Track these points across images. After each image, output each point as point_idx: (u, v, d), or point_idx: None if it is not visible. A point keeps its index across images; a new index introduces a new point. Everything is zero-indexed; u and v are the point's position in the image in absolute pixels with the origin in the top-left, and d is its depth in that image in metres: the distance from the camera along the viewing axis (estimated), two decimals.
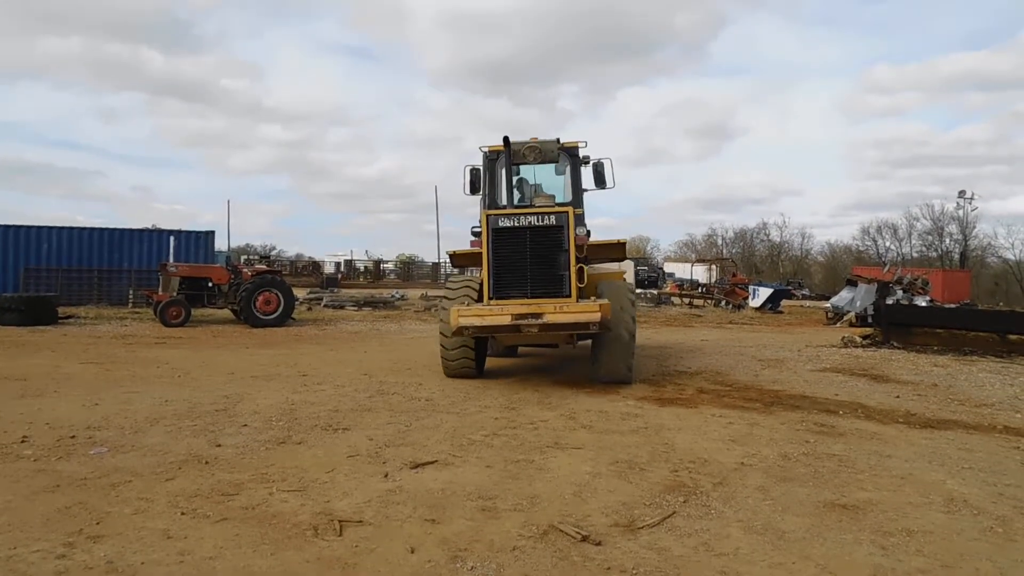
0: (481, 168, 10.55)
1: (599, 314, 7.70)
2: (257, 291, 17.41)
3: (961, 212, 51.93)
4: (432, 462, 5.31)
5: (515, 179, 10.46)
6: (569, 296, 8.28)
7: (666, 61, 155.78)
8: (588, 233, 9.37)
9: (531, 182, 11.13)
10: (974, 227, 52.80)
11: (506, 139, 9.16)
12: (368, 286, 42.98)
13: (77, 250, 23.19)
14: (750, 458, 5.55)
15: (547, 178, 11.22)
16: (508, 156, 9.48)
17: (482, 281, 8.84)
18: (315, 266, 56.11)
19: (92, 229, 23.81)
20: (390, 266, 57.84)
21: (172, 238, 21.96)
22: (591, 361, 9.04)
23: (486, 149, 10.43)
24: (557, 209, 8.58)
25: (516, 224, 8.44)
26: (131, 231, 24.35)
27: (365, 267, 56.20)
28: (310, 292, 30.43)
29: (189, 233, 24.45)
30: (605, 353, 8.73)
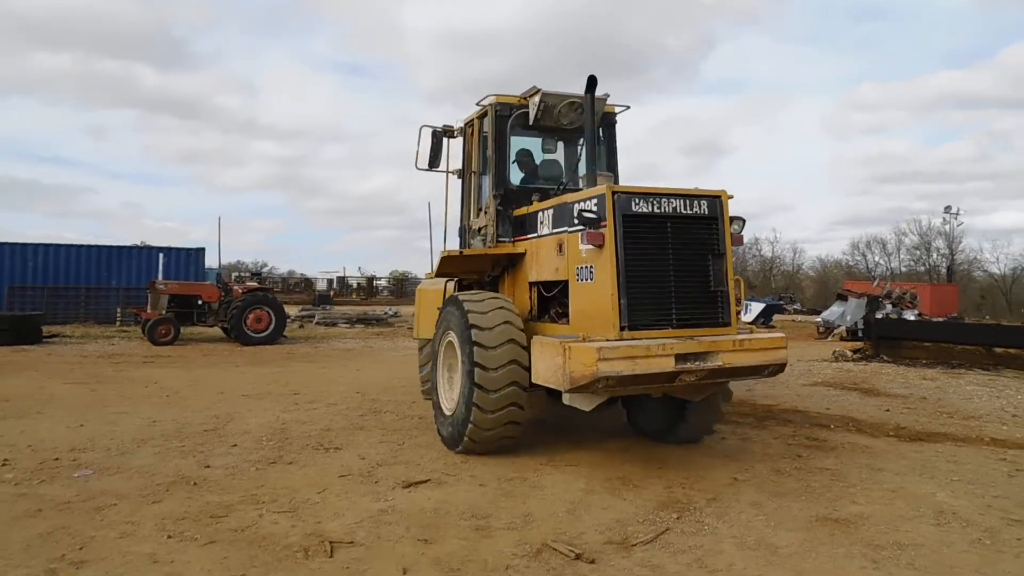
0: (469, 130, 7.58)
1: (785, 351, 5.63)
2: (248, 309, 17.32)
3: (947, 227, 52.44)
4: (425, 481, 5.28)
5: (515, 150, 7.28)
6: (729, 324, 5.53)
7: (658, 79, 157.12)
8: (743, 227, 6.00)
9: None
10: (960, 242, 53.25)
11: (592, 79, 6.08)
12: (361, 303, 42.86)
13: (64, 267, 22.96)
14: (743, 473, 5.55)
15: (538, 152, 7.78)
16: (539, 111, 6.78)
17: (532, 300, 6.47)
18: (307, 283, 55.89)
19: (79, 246, 23.62)
20: (383, 283, 57.78)
21: (161, 255, 21.89)
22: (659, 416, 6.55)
23: (490, 101, 7.08)
24: (709, 192, 5.66)
25: (655, 210, 5.41)
26: (119, 248, 24.20)
27: (358, 284, 56.05)
28: (302, 309, 30.32)
29: (179, 250, 24.35)
30: (704, 403, 6.21)
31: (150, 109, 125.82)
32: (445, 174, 7.76)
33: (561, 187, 6.98)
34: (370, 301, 45.48)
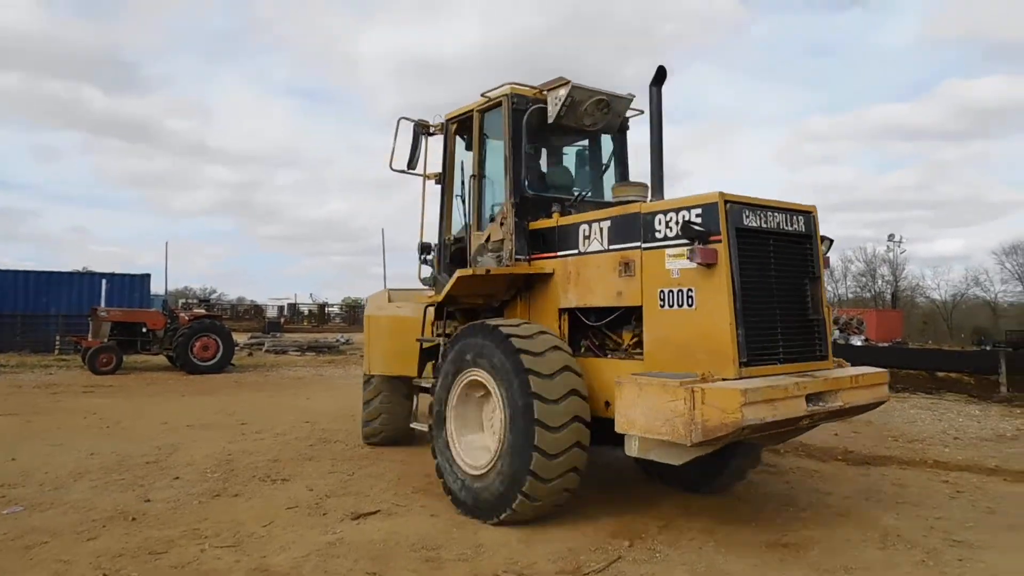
0: (452, 127, 6.56)
1: (887, 387, 5.18)
2: (195, 336, 16.87)
3: (891, 254, 54.31)
4: (375, 512, 5.17)
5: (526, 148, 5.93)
6: (827, 357, 4.97)
7: None
8: (830, 248, 5.40)
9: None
10: (903, 268, 55.25)
11: (661, 71, 5.26)
12: (312, 330, 42.18)
13: None
14: (695, 500, 5.57)
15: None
16: (563, 107, 5.77)
17: (562, 330, 5.52)
18: (257, 310, 54.80)
19: (15, 271, 22.77)
20: (335, 309, 56.99)
21: (104, 281, 21.20)
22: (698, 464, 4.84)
23: (506, 91, 5.90)
24: (803, 206, 4.99)
25: (763, 225, 4.68)
26: (59, 274, 23.41)
27: (309, 311, 55.22)
28: (251, 337, 29.67)
29: (123, 276, 23.66)
30: (746, 448, 5.48)
31: (98, 132, 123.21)
32: (422, 178, 6.69)
33: (580, 197, 6.06)
34: (322, 328, 44.77)
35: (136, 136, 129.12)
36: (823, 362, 4.89)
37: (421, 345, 6.62)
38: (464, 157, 6.58)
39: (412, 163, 6.58)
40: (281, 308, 56.00)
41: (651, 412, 4.12)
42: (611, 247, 5.10)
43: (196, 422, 9.33)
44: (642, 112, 6.40)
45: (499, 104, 5.96)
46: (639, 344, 4.90)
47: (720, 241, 4.37)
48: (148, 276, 24.19)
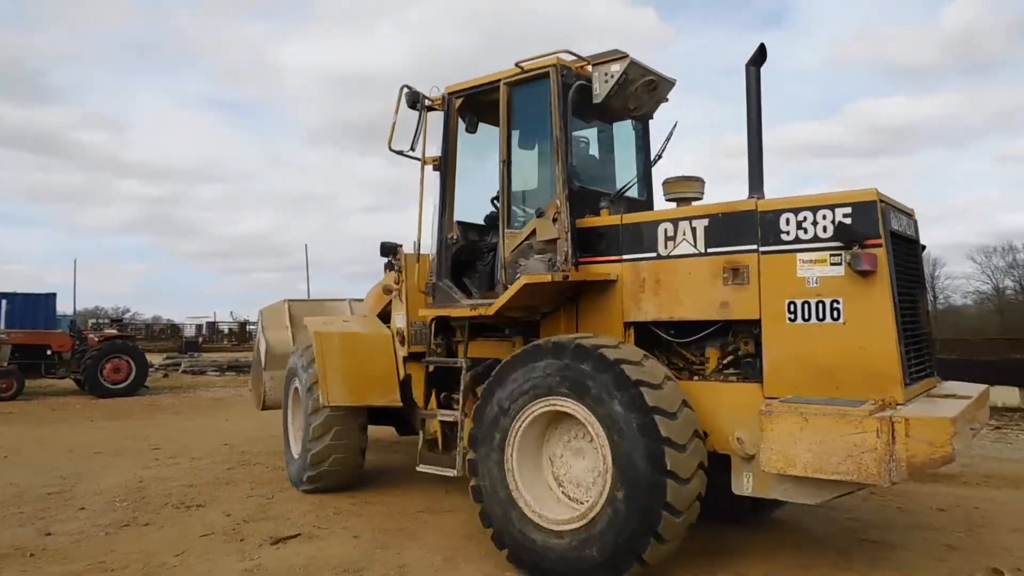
0: (457, 103, 5.54)
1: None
2: (104, 358, 16.06)
3: None
4: (295, 536, 5.02)
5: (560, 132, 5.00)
6: (934, 373, 4.60)
7: None
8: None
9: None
10: None
11: (762, 48, 4.45)
12: (233, 349, 40.79)
13: None
14: None
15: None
16: (614, 86, 4.90)
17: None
18: (174, 329, 52.66)
19: None
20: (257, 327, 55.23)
21: (4, 301, 19.95)
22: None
23: (554, 60, 4.99)
24: (908, 208, 4.56)
25: (905, 230, 4.35)
26: None
27: (230, 329, 53.39)
28: (167, 357, 28.45)
29: (26, 296, 22.27)
30: None
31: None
32: (421, 163, 5.66)
33: (625, 190, 5.54)
34: (243, 347, 43.37)
35: (42, 148, 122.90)
36: (933, 379, 4.48)
37: (427, 368, 5.61)
38: (470, 140, 5.68)
39: (414, 143, 5.61)
40: (200, 327, 54.00)
41: (823, 448, 3.52)
42: (710, 250, 4.39)
43: (105, 448, 8.86)
44: (667, 99, 5.64)
45: (544, 76, 5.00)
46: (734, 363, 4.40)
47: (880, 245, 3.83)
48: (54, 295, 22.85)
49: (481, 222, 5.79)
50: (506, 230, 5.10)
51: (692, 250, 4.48)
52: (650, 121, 5.84)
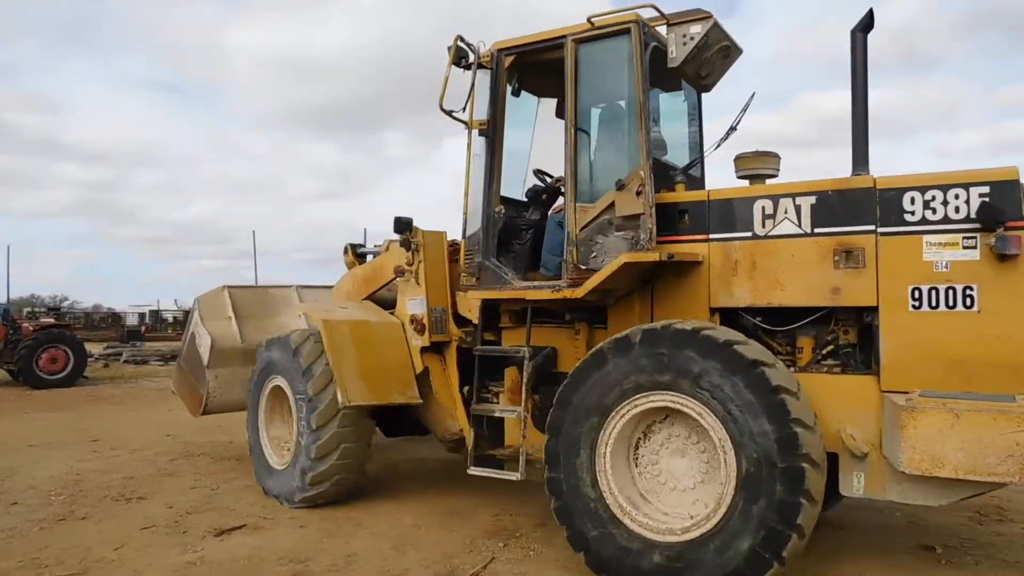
0: (508, 60, 5.01)
1: None
2: (40, 348, 15.47)
3: None
4: (240, 527, 4.93)
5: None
6: None
7: None
8: None
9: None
10: None
11: (869, 15, 4.10)
12: (177, 338, 39.76)
13: None
14: None
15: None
16: (692, 50, 4.45)
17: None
18: (115, 318, 50.96)
19: None
20: None
21: None
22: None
23: (632, 17, 4.50)
24: None
25: None
26: None
27: (174, 318, 51.95)
28: (108, 347, 27.55)
29: None
30: None
31: None
32: (468, 127, 5.06)
33: (694, 164, 5.26)
34: None
35: None
36: None
37: (476, 358, 4.99)
38: (517, 104, 5.23)
39: (466, 104, 5.03)
40: (142, 316, 52.45)
41: (979, 447, 3.26)
42: (818, 230, 4.04)
43: (40, 441, 8.54)
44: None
45: (622, 32, 4.51)
46: (832, 354, 4.13)
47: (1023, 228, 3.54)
48: None
49: (517, 196, 5.39)
50: (574, 204, 4.58)
51: (795, 230, 4.10)
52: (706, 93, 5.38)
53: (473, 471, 4.80)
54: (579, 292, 4.34)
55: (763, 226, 4.20)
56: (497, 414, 4.95)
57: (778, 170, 4.57)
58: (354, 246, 6.86)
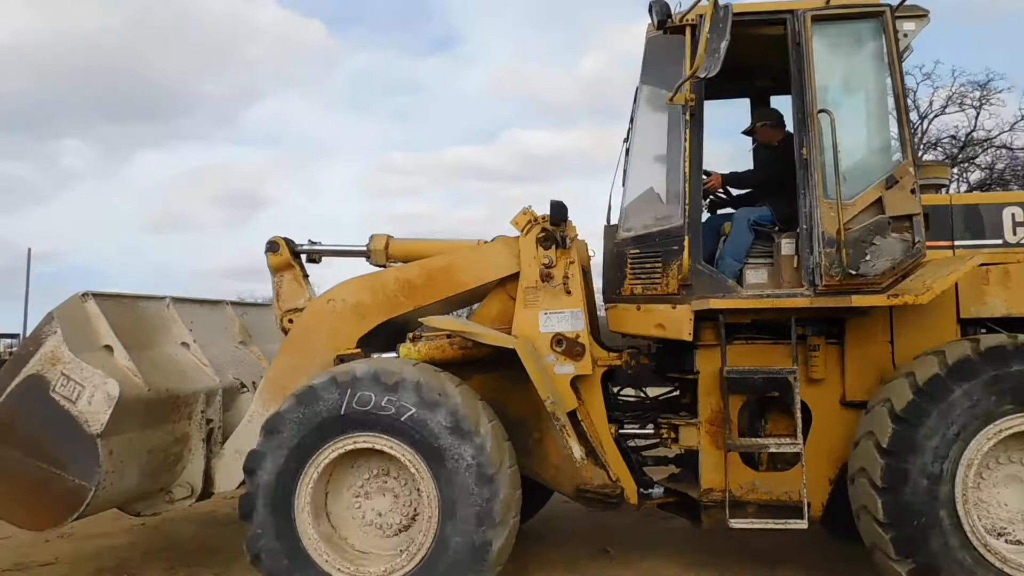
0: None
1: None
2: None
3: None
4: None
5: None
6: None
7: (194, 127, 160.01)
8: None
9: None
10: None
11: None
12: None
13: None
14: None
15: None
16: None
17: None
18: None
19: None
20: None
21: None
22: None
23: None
24: None
25: None
26: None
27: None
28: None
29: None
30: None
31: None
32: (686, 105, 4.26)
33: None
34: None
35: None
36: None
37: (724, 381, 4.23)
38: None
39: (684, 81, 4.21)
40: None
41: None
42: None
43: None
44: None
45: (872, 15, 4.24)
46: None
47: None
48: None
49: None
50: (835, 201, 4.10)
51: None
52: None
53: (736, 525, 4.07)
54: (924, 298, 3.78)
55: (1015, 233, 4.12)
56: (772, 450, 4.22)
57: (949, 179, 4.54)
58: (288, 241, 5.14)
